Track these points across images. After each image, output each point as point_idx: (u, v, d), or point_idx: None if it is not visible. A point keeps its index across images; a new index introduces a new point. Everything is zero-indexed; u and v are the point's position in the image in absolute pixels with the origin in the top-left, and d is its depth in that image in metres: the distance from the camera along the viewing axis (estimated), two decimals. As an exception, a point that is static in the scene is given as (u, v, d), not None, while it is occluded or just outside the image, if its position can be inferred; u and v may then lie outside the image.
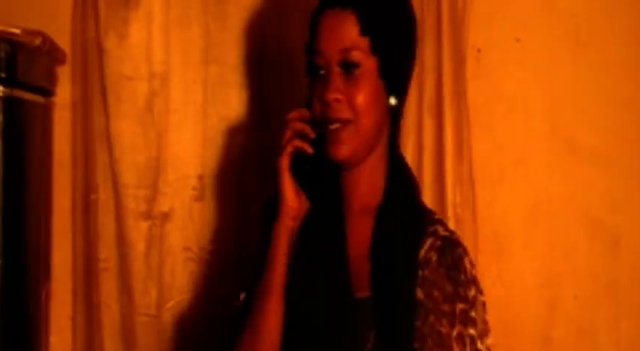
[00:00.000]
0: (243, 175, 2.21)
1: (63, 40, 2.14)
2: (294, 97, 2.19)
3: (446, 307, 1.56)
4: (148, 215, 2.18)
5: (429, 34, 2.19)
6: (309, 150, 1.59)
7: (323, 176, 1.64)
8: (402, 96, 1.67)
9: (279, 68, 2.21)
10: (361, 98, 1.60)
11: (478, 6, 2.23)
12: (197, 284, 2.21)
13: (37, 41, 1.98)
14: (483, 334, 1.58)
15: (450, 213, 2.17)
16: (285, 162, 1.60)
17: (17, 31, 1.95)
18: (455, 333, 1.55)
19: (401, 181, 1.67)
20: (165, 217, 2.19)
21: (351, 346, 1.56)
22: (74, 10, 2.16)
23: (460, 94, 2.21)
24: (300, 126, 1.60)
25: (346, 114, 1.60)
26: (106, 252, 2.17)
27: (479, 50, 2.27)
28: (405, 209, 1.64)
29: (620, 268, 2.29)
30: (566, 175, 2.30)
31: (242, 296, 1.69)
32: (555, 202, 2.29)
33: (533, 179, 2.29)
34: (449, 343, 1.54)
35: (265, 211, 1.70)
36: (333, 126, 1.60)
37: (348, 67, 1.61)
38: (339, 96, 1.60)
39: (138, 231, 2.17)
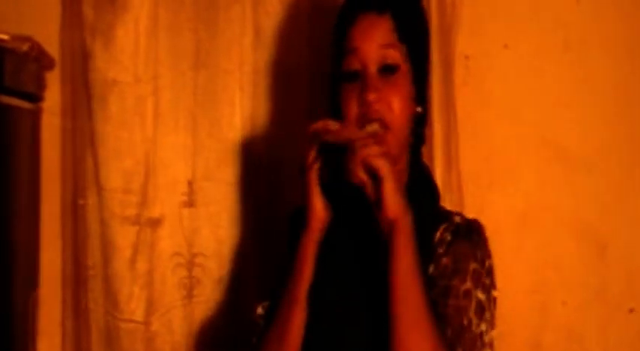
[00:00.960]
0: (233, 181, 2.21)
1: (51, 46, 2.14)
2: (285, 102, 2.20)
3: (458, 265, 1.54)
4: (136, 221, 2.17)
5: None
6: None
7: (350, 189, 1.59)
8: (426, 104, 1.68)
9: (271, 74, 2.21)
10: (399, 101, 1.60)
11: (466, 13, 2.24)
12: (187, 291, 2.20)
13: (25, 47, 1.98)
14: (490, 323, 1.56)
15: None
16: (314, 178, 1.55)
17: (5, 36, 1.95)
18: (464, 288, 1.53)
19: (423, 187, 1.68)
20: (155, 222, 2.19)
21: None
22: (62, 16, 2.16)
23: (449, 102, 2.21)
24: (331, 138, 1.52)
25: (387, 114, 1.58)
26: (94, 258, 2.16)
27: (467, 57, 2.27)
28: (424, 211, 1.62)
29: (609, 274, 2.29)
30: (555, 182, 2.30)
31: (259, 309, 1.68)
32: (544, 210, 2.29)
33: (523, 186, 2.30)
34: (456, 293, 1.52)
35: (294, 221, 1.68)
36: (372, 127, 1.57)
37: (387, 68, 1.60)
38: (380, 96, 1.58)
39: (126, 236, 2.16)
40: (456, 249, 1.56)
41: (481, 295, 1.54)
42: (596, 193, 2.30)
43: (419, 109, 1.65)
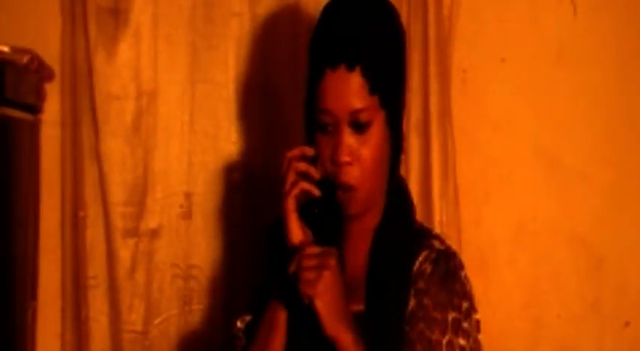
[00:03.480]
0: (230, 193, 2.22)
1: (51, 58, 2.15)
2: (281, 115, 2.22)
3: (437, 315, 1.55)
4: (135, 232, 2.19)
5: (416, 55, 2.20)
6: (317, 193, 1.55)
7: (328, 216, 1.60)
8: (401, 134, 1.66)
9: (266, 87, 2.23)
10: (371, 156, 1.58)
11: (463, 27, 2.25)
12: (184, 301, 2.21)
13: (26, 59, 1.99)
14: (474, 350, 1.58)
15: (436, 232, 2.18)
16: (291, 205, 1.56)
17: (5, 48, 1.96)
18: (445, 340, 1.54)
19: (399, 203, 1.67)
20: (153, 234, 2.20)
21: None
22: (63, 29, 2.17)
23: (446, 115, 2.23)
24: (304, 167, 1.56)
25: (357, 179, 1.58)
26: (94, 269, 2.17)
27: (464, 71, 2.28)
28: (401, 228, 1.64)
29: (604, 287, 2.29)
30: (550, 194, 2.31)
31: (239, 323, 1.69)
32: (540, 222, 2.30)
33: (519, 199, 2.30)
34: (438, 349, 1.53)
35: (269, 239, 1.69)
36: (345, 195, 1.58)
37: (359, 127, 1.58)
38: (351, 158, 1.58)
39: (126, 248, 2.18)
40: (436, 298, 1.57)
41: (462, 341, 1.55)
42: (592, 206, 2.31)
43: (391, 146, 1.64)
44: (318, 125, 1.60)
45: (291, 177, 1.56)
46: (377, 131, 1.60)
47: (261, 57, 2.23)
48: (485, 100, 2.29)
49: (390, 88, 1.61)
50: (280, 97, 2.22)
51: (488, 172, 2.29)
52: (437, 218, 2.20)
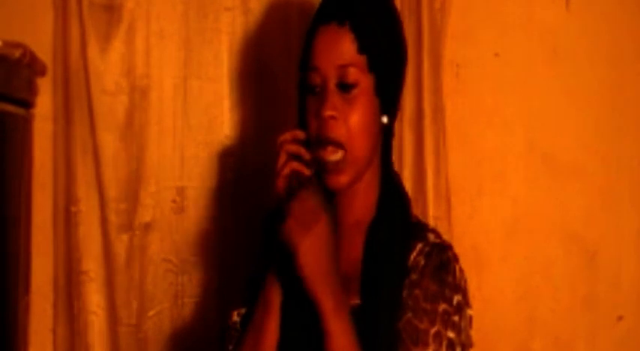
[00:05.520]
0: (223, 188, 2.22)
1: (43, 53, 2.14)
2: (273, 109, 2.22)
3: (427, 306, 1.55)
4: (129, 227, 2.18)
5: (410, 49, 2.19)
6: (307, 172, 1.57)
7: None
8: (393, 114, 1.67)
9: (259, 81, 2.23)
10: (357, 118, 1.60)
11: (457, 21, 2.25)
12: (178, 294, 2.21)
13: (18, 53, 1.98)
14: (465, 346, 1.58)
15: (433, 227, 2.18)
16: (282, 184, 1.58)
17: (-3, 43, 1.95)
18: (433, 331, 1.54)
19: (393, 196, 1.67)
20: (146, 228, 2.20)
21: None
22: (55, 23, 2.16)
23: (439, 109, 2.23)
24: (294, 148, 1.58)
25: (342, 135, 1.59)
26: (87, 264, 2.17)
27: (458, 65, 2.28)
28: (396, 222, 1.64)
29: (597, 281, 2.30)
30: (543, 189, 2.31)
31: (235, 316, 1.69)
32: (533, 216, 2.31)
33: (512, 193, 2.31)
34: (425, 339, 1.53)
35: (265, 228, 1.70)
36: (331, 157, 1.59)
37: (345, 87, 1.60)
38: (336, 113, 1.59)
39: (119, 242, 2.18)
40: (427, 288, 1.57)
41: (451, 334, 1.55)
42: (585, 201, 2.32)
43: (384, 120, 1.65)
44: (307, 87, 1.62)
45: (282, 158, 1.58)
46: (363, 95, 1.61)
47: (254, 51, 2.23)
48: (478, 95, 2.30)
49: (379, 52, 1.62)
50: (273, 91, 2.22)
51: (482, 167, 2.30)
52: (430, 213, 2.20)
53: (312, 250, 1.52)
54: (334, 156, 1.60)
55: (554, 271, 2.30)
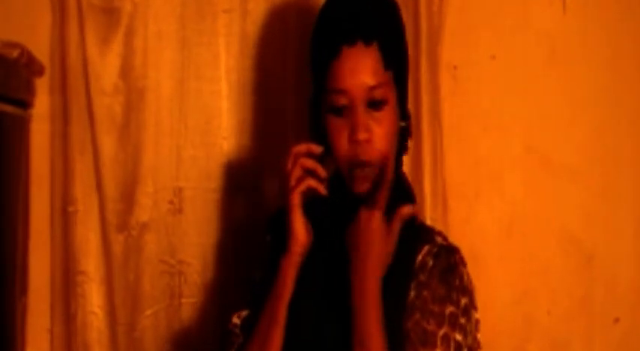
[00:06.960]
0: (220, 189, 2.22)
1: (41, 53, 2.15)
2: (271, 111, 2.22)
3: (435, 308, 1.55)
4: (125, 227, 2.19)
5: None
6: (324, 192, 1.57)
7: (334, 212, 1.63)
8: (407, 117, 1.68)
9: (257, 83, 2.23)
10: (387, 134, 1.59)
11: (454, 23, 2.25)
12: (174, 295, 2.21)
13: (15, 53, 1.99)
14: (471, 349, 1.57)
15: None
16: (297, 200, 1.57)
17: (-5, 43, 1.95)
18: (441, 333, 1.54)
19: (402, 198, 1.67)
20: (143, 228, 2.20)
21: None
22: (53, 23, 2.17)
23: (436, 111, 2.23)
24: (311, 164, 1.57)
25: (375, 156, 1.58)
26: (84, 264, 2.17)
27: (455, 67, 2.28)
28: (404, 227, 1.62)
29: (594, 283, 2.30)
30: (541, 191, 2.31)
31: (235, 318, 1.69)
32: (530, 219, 2.31)
33: (509, 196, 2.31)
34: (433, 341, 1.53)
35: (270, 230, 1.69)
36: (363, 171, 1.58)
37: (376, 105, 1.58)
38: (369, 135, 1.57)
39: (116, 243, 2.18)
40: (435, 290, 1.57)
41: (459, 337, 1.55)
42: (582, 203, 2.32)
43: (402, 124, 1.65)
44: (331, 108, 1.59)
45: (297, 172, 1.56)
46: (391, 107, 1.60)
47: (252, 53, 2.23)
48: (475, 97, 2.29)
49: (401, 65, 1.63)
50: (271, 92, 2.22)
51: (479, 168, 2.30)
52: (427, 215, 2.20)
53: (381, 258, 1.54)
54: (366, 185, 1.59)
55: (551, 273, 2.30)
